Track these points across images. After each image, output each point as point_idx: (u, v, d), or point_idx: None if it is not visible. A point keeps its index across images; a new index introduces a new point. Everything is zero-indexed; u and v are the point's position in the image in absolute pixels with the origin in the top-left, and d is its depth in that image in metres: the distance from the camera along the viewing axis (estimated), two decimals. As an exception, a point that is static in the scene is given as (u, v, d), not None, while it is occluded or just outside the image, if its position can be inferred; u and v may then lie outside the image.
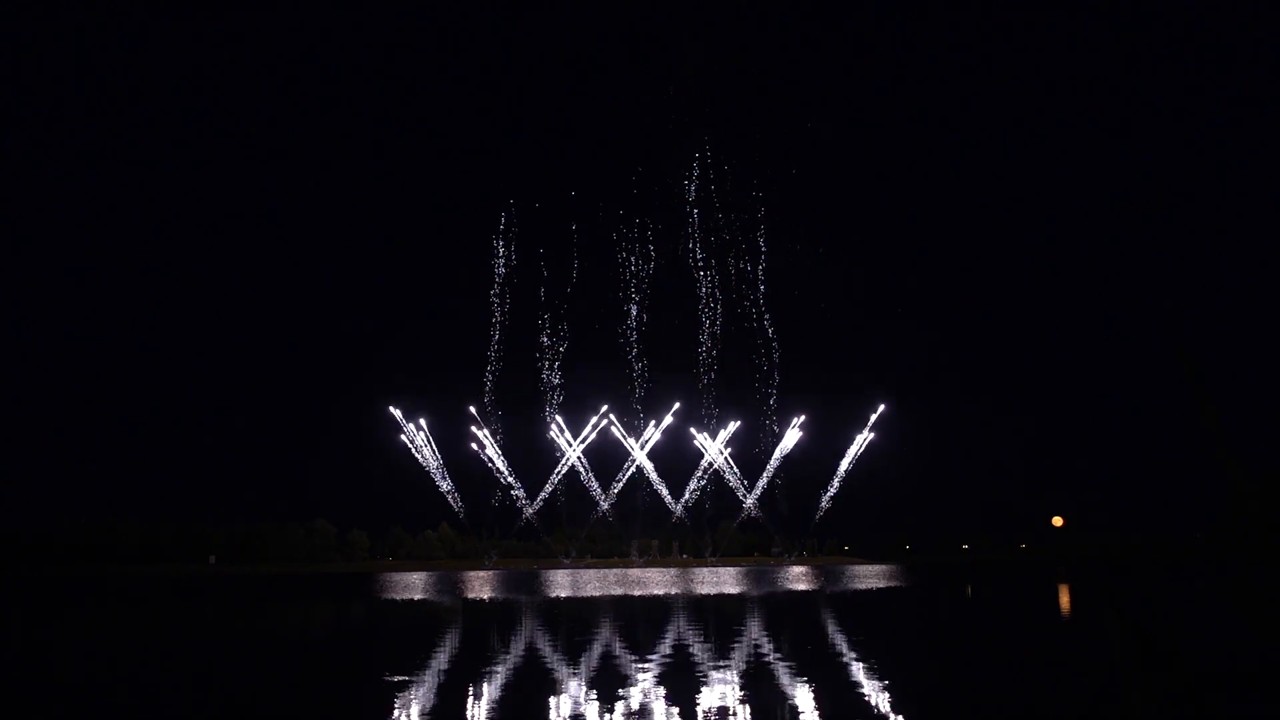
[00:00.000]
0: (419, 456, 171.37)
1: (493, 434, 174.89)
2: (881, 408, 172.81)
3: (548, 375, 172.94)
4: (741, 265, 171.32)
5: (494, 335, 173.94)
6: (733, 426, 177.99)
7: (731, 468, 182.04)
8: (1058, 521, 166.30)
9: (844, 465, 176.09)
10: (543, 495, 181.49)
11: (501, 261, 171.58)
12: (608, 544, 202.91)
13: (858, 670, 13.50)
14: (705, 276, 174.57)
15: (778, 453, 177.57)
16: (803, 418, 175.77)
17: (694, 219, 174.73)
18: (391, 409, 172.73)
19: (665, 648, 17.03)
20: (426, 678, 13.09)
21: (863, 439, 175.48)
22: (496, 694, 11.68)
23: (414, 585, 64.78)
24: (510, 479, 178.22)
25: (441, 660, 15.35)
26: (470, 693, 11.75)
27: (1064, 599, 34.14)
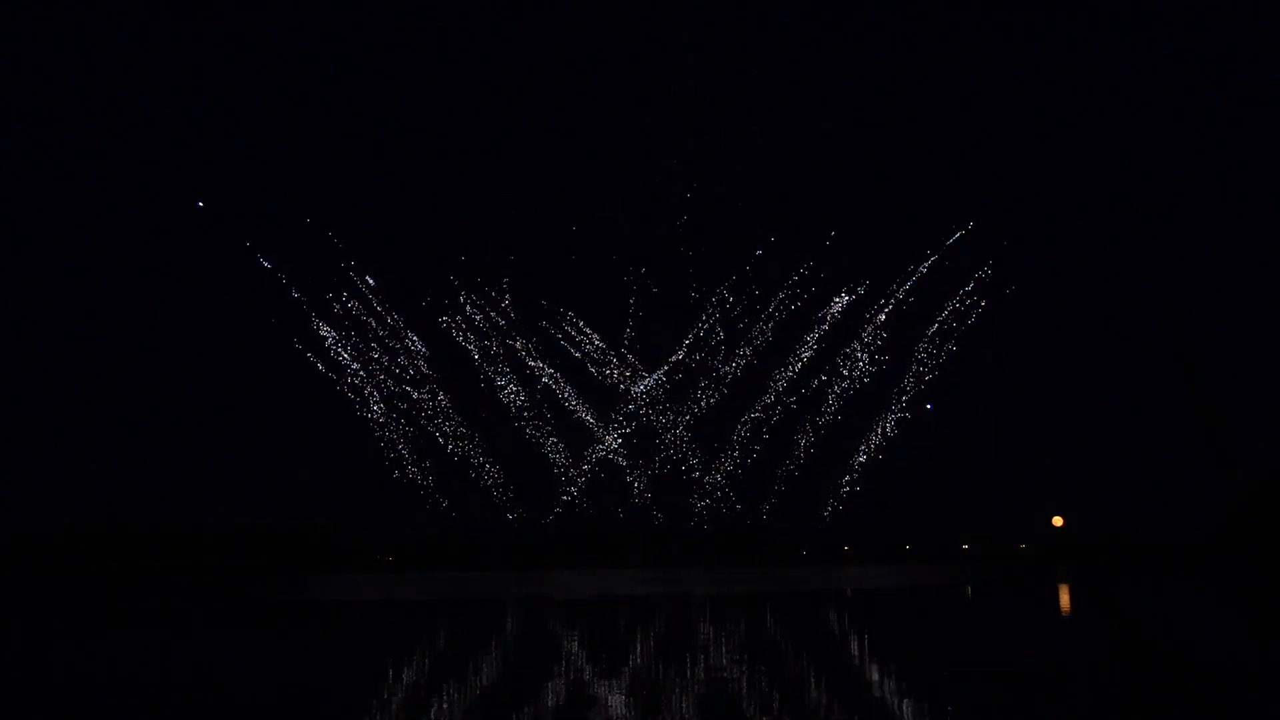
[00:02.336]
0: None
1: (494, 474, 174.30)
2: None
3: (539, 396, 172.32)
4: (739, 302, 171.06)
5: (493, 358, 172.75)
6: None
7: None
8: (1058, 521, 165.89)
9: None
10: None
11: (507, 303, 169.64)
12: (609, 541, 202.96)
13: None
14: (704, 317, 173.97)
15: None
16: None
17: (688, 252, 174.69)
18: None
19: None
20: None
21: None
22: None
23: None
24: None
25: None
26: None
27: (1064, 599, 34.17)
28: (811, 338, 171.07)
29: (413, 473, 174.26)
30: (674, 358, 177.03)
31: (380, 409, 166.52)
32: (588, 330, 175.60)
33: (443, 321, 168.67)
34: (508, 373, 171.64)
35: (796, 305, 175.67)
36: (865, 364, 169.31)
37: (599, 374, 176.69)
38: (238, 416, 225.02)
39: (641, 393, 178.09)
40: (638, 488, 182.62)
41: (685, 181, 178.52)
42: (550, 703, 10.96)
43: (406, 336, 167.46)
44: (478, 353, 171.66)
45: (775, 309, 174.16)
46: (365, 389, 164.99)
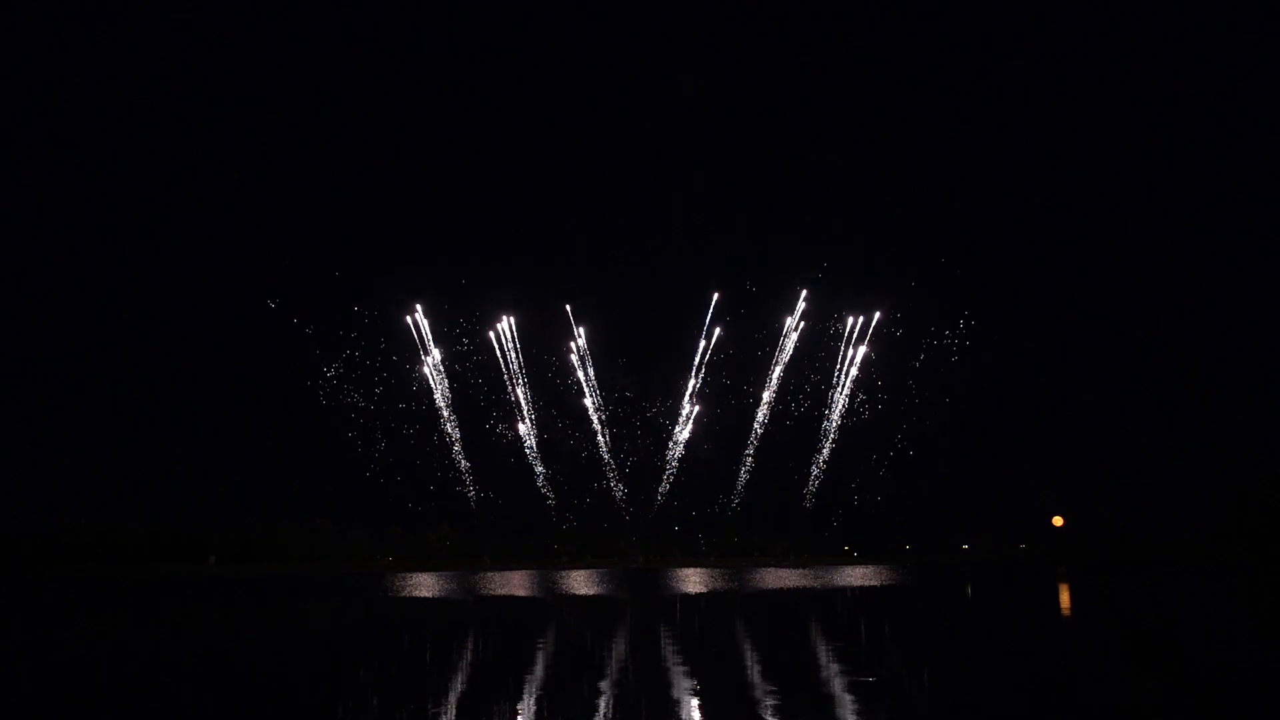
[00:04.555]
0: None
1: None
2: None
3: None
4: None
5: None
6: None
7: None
8: (1058, 521, 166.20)
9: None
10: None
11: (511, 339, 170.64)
12: (608, 542, 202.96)
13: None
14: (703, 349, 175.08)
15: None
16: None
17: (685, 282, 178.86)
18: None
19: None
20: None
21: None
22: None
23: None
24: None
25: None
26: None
27: (1064, 599, 34.18)
28: (812, 365, 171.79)
29: (412, 505, 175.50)
30: (686, 390, 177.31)
31: (383, 445, 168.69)
32: (588, 364, 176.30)
33: (438, 354, 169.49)
34: (507, 403, 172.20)
35: (797, 341, 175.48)
36: (862, 398, 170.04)
37: (599, 410, 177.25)
38: (237, 416, 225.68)
39: (640, 427, 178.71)
40: (630, 518, 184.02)
41: (684, 204, 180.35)
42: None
43: (413, 372, 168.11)
44: (478, 385, 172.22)
45: (769, 339, 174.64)
46: (372, 427, 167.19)
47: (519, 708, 10.58)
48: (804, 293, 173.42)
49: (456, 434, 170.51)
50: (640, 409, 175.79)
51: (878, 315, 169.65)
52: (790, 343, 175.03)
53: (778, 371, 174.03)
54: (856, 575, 76.01)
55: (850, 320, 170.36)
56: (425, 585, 64.50)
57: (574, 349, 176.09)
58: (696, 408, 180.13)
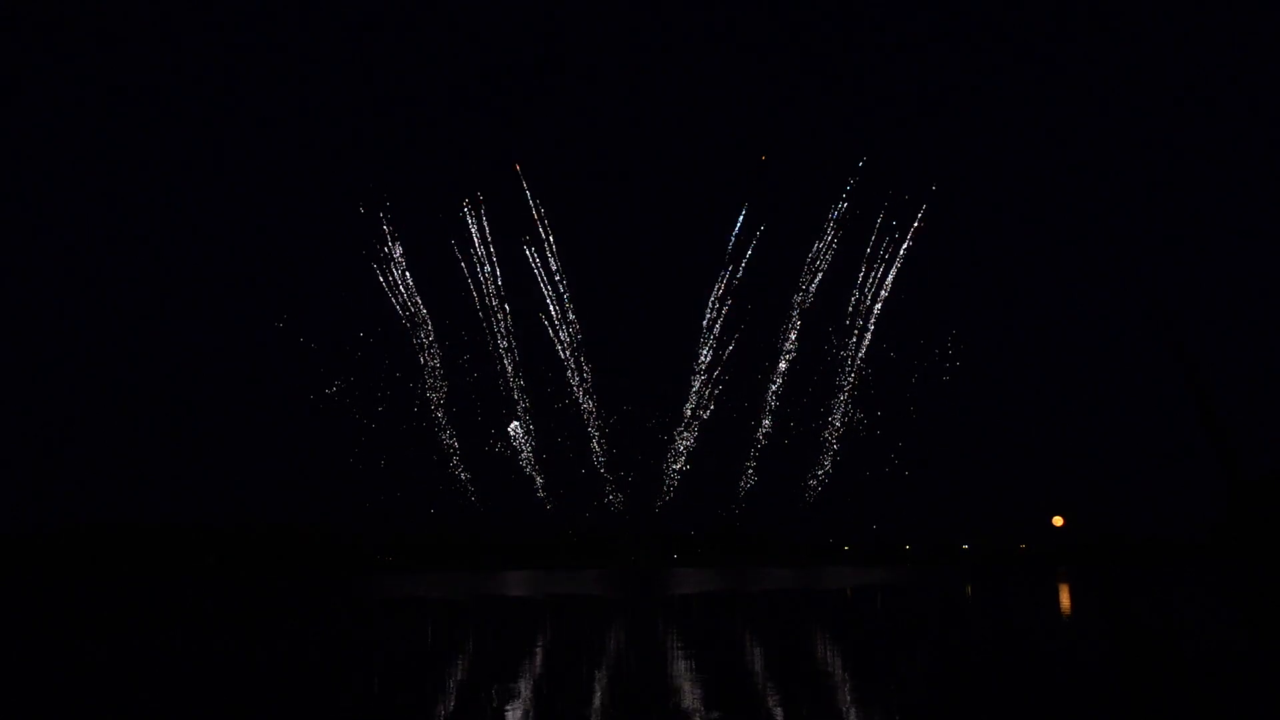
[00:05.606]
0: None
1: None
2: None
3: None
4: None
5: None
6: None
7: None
8: (1058, 521, 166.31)
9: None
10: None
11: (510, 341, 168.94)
12: (607, 543, 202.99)
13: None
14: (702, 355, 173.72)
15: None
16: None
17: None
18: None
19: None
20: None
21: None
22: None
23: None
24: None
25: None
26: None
27: (1064, 599, 34.19)
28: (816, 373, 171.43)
29: (412, 506, 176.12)
30: (689, 401, 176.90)
31: (384, 460, 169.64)
32: (586, 370, 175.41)
33: (432, 362, 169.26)
34: (504, 412, 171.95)
35: (793, 354, 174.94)
36: (860, 415, 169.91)
37: (602, 422, 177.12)
38: (237, 416, 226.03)
39: (642, 436, 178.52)
40: (630, 533, 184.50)
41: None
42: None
43: (418, 388, 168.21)
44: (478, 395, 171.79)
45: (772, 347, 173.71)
46: (374, 443, 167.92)
47: (518, 704, 10.60)
48: (861, 161, 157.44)
49: (455, 443, 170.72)
50: (638, 413, 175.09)
51: (924, 207, 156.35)
52: (830, 234, 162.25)
53: (812, 287, 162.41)
54: (856, 576, 76.10)
55: (887, 204, 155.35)
56: (424, 586, 64.62)
57: (534, 253, 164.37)
58: (729, 341, 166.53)
